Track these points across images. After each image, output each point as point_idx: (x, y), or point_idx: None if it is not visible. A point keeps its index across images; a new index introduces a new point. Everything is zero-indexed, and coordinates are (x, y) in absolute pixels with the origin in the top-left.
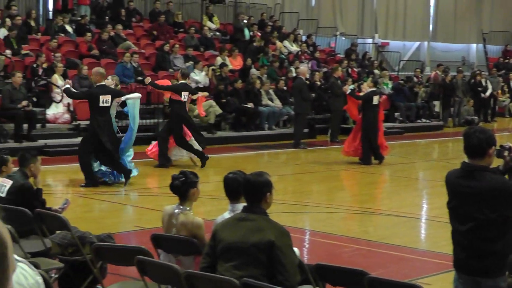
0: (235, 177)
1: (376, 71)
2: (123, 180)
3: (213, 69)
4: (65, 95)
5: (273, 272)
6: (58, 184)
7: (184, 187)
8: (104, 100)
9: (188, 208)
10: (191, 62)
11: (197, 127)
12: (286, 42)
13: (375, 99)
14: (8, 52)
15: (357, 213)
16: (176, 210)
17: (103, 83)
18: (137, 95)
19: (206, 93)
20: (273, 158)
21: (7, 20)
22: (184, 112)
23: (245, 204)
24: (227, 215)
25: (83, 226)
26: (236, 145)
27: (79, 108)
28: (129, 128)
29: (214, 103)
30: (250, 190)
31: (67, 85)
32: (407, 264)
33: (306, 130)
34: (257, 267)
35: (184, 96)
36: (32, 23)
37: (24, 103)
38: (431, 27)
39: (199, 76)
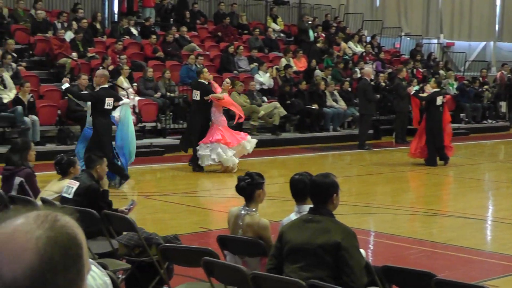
0: (302, 179)
1: (442, 72)
2: (118, 181)
3: (277, 70)
4: (130, 96)
5: (339, 274)
6: (124, 185)
7: (250, 189)
8: (108, 102)
9: (254, 209)
10: (256, 64)
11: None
12: (350, 43)
13: (439, 100)
14: (74, 54)
15: (422, 214)
16: (242, 212)
17: (106, 85)
18: (128, 100)
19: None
20: (338, 159)
21: (74, 23)
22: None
23: (311, 205)
24: (293, 216)
25: (149, 227)
26: (301, 146)
27: (144, 110)
28: (118, 132)
29: (278, 105)
30: (316, 191)
31: (66, 84)
32: (474, 266)
33: (370, 132)
34: (323, 269)
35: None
36: (98, 26)
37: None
38: (497, 27)
39: (264, 78)
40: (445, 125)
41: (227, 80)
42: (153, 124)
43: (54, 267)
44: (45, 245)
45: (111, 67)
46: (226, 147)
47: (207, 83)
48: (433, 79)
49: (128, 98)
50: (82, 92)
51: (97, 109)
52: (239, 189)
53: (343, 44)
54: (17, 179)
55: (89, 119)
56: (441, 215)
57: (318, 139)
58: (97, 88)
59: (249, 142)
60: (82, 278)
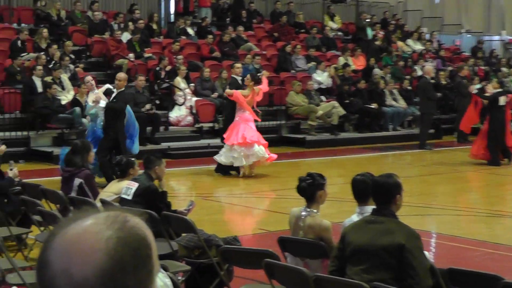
0: (363, 179)
1: (504, 69)
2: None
3: (335, 69)
4: (187, 97)
5: (403, 276)
6: (182, 186)
7: (311, 189)
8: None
9: (315, 210)
10: (313, 63)
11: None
12: (409, 41)
13: (502, 100)
14: (131, 55)
15: (485, 215)
16: (303, 213)
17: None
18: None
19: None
20: (398, 159)
21: (130, 24)
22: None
23: (373, 206)
24: (355, 217)
25: (208, 229)
26: (360, 146)
27: (202, 110)
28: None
29: (337, 104)
30: (379, 192)
31: (102, 102)
32: None
33: (431, 131)
34: (386, 271)
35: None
36: (154, 27)
37: (148, 106)
38: None
39: (322, 77)
40: (506, 125)
41: (248, 76)
42: (210, 124)
43: (124, 267)
44: (115, 245)
45: (168, 68)
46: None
47: (239, 78)
48: (495, 79)
49: (184, 98)
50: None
51: (120, 114)
52: (300, 190)
53: (399, 43)
54: (77, 181)
55: (100, 120)
56: (506, 216)
57: (377, 139)
58: (116, 92)
59: (260, 151)
60: (152, 279)
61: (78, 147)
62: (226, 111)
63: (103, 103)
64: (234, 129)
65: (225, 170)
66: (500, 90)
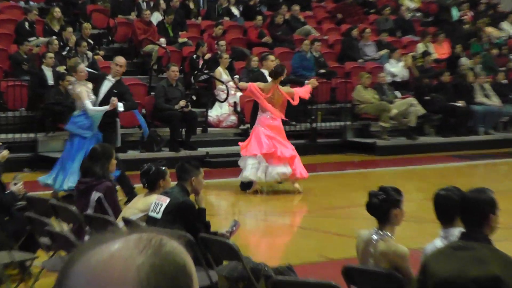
0: (449, 195)
1: None
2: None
3: (413, 58)
4: (231, 92)
5: None
6: (223, 202)
7: (384, 207)
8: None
9: (389, 233)
10: (386, 51)
11: None
12: (504, 24)
13: None
14: (162, 41)
15: None
16: (374, 236)
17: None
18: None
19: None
20: (491, 170)
21: (162, 2)
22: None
23: (461, 229)
24: (438, 243)
25: (256, 255)
26: (443, 153)
27: (248, 108)
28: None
29: (415, 101)
30: (469, 211)
31: (121, 106)
32: None
33: None
34: None
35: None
36: (191, 6)
37: (182, 103)
38: None
39: (396, 68)
40: None
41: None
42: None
43: None
44: (148, 274)
45: (207, 56)
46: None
47: (267, 72)
48: None
49: (227, 94)
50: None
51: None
52: (371, 207)
53: (487, 28)
54: (95, 194)
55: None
56: None
57: (465, 145)
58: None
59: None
60: None
61: (97, 153)
62: (251, 113)
63: (121, 106)
64: (252, 135)
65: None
66: None
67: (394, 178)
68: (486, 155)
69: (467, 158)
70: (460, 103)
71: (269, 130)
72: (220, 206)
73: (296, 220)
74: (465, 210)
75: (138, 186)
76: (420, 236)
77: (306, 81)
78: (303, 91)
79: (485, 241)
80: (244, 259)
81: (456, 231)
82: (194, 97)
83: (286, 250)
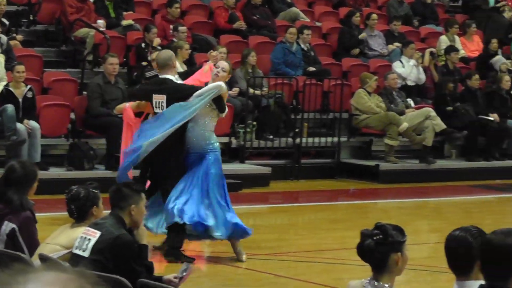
0: (464, 237)
1: None
2: None
3: (432, 55)
4: None
5: None
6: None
7: (381, 251)
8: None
9: (387, 285)
10: (397, 45)
11: None
12: None
13: None
14: (100, 23)
15: None
16: None
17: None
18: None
19: None
20: None
21: None
22: None
23: (481, 281)
24: None
25: None
26: (468, 183)
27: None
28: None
29: (433, 113)
30: (492, 258)
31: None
32: None
33: None
34: None
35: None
36: None
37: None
38: None
39: (407, 67)
40: None
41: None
42: (225, 139)
43: None
44: None
45: (156, 43)
46: None
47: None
48: None
49: None
50: None
51: None
52: (364, 251)
53: None
54: (8, 226)
55: None
56: None
57: (498, 172)
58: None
59: None
60: None
61: (16, 175)
62: None
63: None
64: None
65: None
66: None
67: (401, 213)
68: None
69: (499, 189)
70: (492, 117)
71: None
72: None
73: (269, 265)
74: (487, 257)
75: (60, 215)
76: None
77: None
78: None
79: None
80: None
81: (475, 285)
82: None
83: None
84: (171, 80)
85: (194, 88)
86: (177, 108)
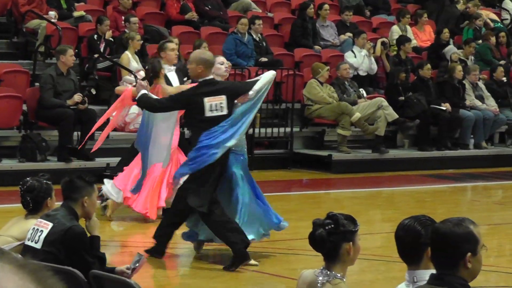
0: (413, 227)
1: None
2: None
3: (384, 45)
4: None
5: None
6: (126, 230)
7: (333, 241)
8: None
9: (339, 274)
10: (349, 35)
11: None
12: (507, 3)
13: None
14: (52, 14)
15: None
16: (320, 278)
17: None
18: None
19: None
20: (483, 195)
21: None
22: None
23: (432, 270)
24: None
25: None
26: (420, 172)
27: None
28: None
29: (385, 102)
30: (440, 247)
31: (143, 91)
32: None
33: None
34: None
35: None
36: None
37: (77, 98)
38: None
39: (358, 58)
40: None
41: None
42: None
43: None
44: None
45: (109, 35)
46: None
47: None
48: None
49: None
50: (157, 99)
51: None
52: (315, 240)
53: (483, 11)
54: None
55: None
56: None
57: (450, 161)
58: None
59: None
60: None
61: None
62: None
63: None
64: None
65: None
66: None
67: (354, 203)
68: (476, 175)
69: (452, 179)
70: (445, 107)
71: None
72: (122, 235)
73: (222, 256)
74: (436, 246)
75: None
76: (384, 280)
77: None
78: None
79: (462, 287)
80: None
81: (426, 274)
82: (93, 91)
83: None
84: (222, 81)
85: (250, 83)
86: (245, 108)
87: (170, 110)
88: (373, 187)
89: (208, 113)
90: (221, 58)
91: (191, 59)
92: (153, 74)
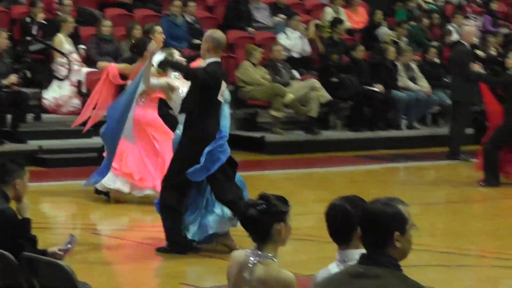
0: (343, 207)
1: None
2: None
3: (317, 27)
4: (73, 67)
5: None
6: (59, 212)
7: (264, 221)
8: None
9: (270, 255)
10: (283, 17)
11: None
12: None
13: None
14: None
15: None
16: (251, 258)
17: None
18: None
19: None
20: (415, 175)
21: None
22: None
23: (362, 250)
24: (334, 268)
25: (97, 281)
26: (353, 153)
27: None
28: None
29: (318, 84)
30: (369, 227)
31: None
32: None
33: (470, 131)
34: None
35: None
36: None
37: (13, 78)
38: None
39: (291, 39)
40: None
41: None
42: None
43: None
44: None
45: (43, 19)
46: None
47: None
48: None
49: (69, 69)
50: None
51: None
52: (247, 220)
53: None
54: None
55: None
56: None
57: (382, 142)
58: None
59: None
60: None
61: None
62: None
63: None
64: None
65: None
66: None
67: (288, 184)
68: (409, 156)
69: (384, 159)
70: (377, 88)
71: None
72: (54, 217)
73: (154, 238)
74: (365, 226)
75: None
76: (317, 260)
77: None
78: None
79: (392, 267)
80: (82, 285)
81: (356, 254)
82: (28, 73)
83: (138, 274)
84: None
85: None
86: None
87: (203, 84)
88: (306, 168)
89: (219, 97)
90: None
91: (204, 38)
92: (137, 50)
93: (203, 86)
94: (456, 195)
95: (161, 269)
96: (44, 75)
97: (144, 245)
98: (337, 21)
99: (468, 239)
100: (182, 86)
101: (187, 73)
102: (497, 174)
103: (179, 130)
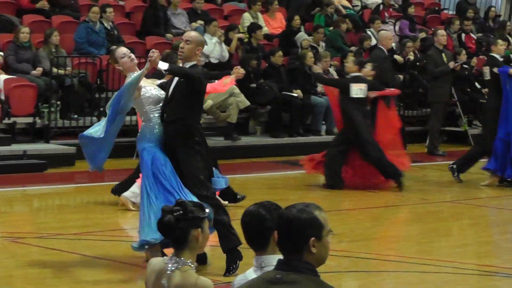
0: (257, 212)
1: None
2: None
3: (240, 41)
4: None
5: None
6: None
7: (181, 227)
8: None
9: (189, 261)
10: (200, 22)
11: None
12: None
13: (355, 91)
14: None
15: (470, 273)
16: (169, 265)
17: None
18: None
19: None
20: None
21: None
22: None
23: (279, 255)
24: (251, 274)
25: None
26: (273, 159)
27: (16, 96)
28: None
29: (237, 90)
30: (285, 233)
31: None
32: None
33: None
34: None
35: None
36: None
37: None
38: None
39: (210, 45)
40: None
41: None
42: (29, 120)
43: None
44: None
45: None
46: None
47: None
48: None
49: None
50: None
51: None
52: (164, 226)
53: None
54: None
55: None
56: (503, 275)
57: (302, 148)
58: None
59: None
60: None
61: None
62: None
63: None
64: None
65: None
66: (357, 74)
67: None
68: None
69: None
70: (296, 93)
71: None
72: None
73: (75, 245)
74: (281, 232)
75: None
76: (240, 265)
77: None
78: (217, 85)
79: (309, 272)
80: None
81: (273, 259)
82: None
83: (57, 282)
84: None
85: None
86: None
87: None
88: (225, 174)
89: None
90: (123, 50)
91: (191, 38)
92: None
93: (201, 90)
94: (375, 200)
95: (79, 275)
96: None
97: (72, 255)
98: (255, 27)
99: (387, 245)
100: (149, 86)
101: (192, 76)
102: (339, 177)
103: None
